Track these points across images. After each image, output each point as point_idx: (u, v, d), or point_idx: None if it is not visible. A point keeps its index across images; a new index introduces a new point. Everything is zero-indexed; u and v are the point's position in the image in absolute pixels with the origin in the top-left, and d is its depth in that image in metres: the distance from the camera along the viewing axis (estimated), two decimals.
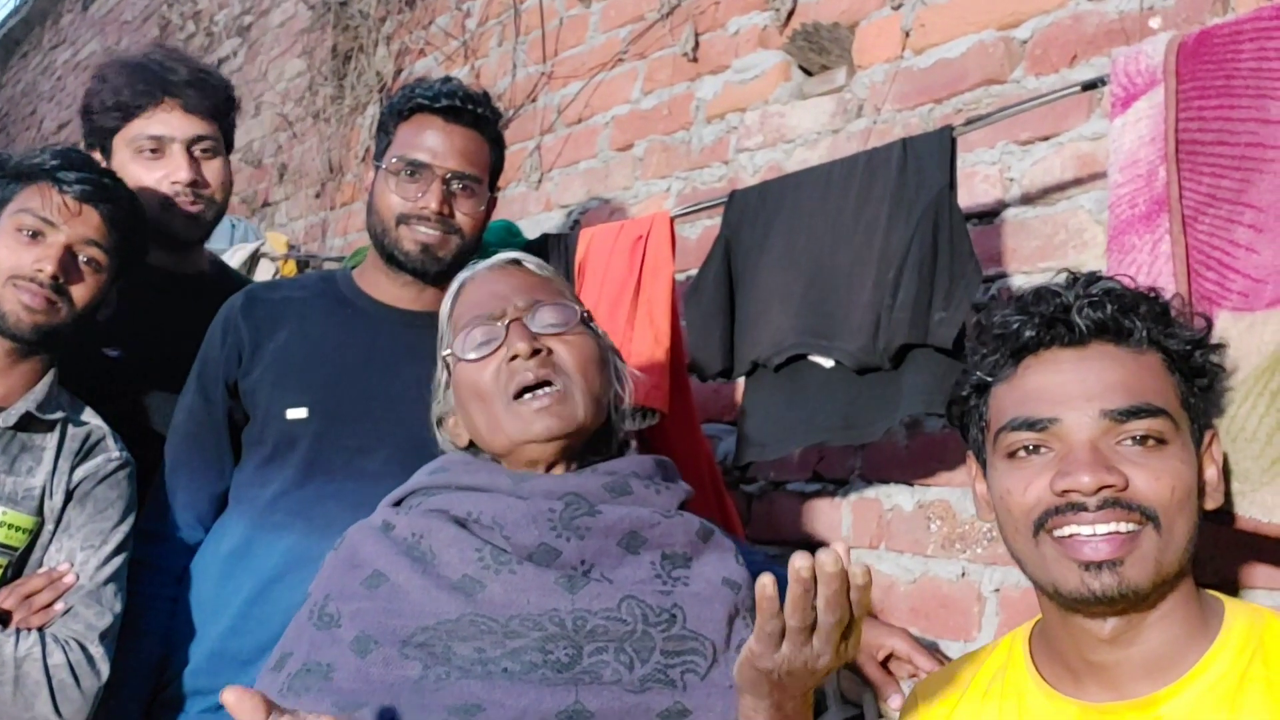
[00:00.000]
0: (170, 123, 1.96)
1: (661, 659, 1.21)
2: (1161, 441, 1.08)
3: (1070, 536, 1.08)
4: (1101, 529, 1.06)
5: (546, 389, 1.32)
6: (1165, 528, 1.06)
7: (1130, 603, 1.07)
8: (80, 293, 1.64)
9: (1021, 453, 1.12)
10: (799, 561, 0.95)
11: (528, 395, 1.32)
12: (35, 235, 1.61)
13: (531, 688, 1.17)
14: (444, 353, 1.43)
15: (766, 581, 0.98)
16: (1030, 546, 1.11)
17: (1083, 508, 1.06)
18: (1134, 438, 1.07)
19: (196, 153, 1.99)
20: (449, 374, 1.42)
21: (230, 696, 0.95)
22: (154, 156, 1.97)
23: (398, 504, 1.38)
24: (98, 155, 2.02)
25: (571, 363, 1.35)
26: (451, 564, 1.26)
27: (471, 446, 1.42)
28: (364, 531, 1.35)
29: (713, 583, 1.29)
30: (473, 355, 1.36)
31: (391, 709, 1.17)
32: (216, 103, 2.02)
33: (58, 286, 1.61)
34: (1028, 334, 1.13)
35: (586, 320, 1.42)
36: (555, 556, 1.25)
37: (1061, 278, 1.17)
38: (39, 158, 1.64)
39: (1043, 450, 1.11)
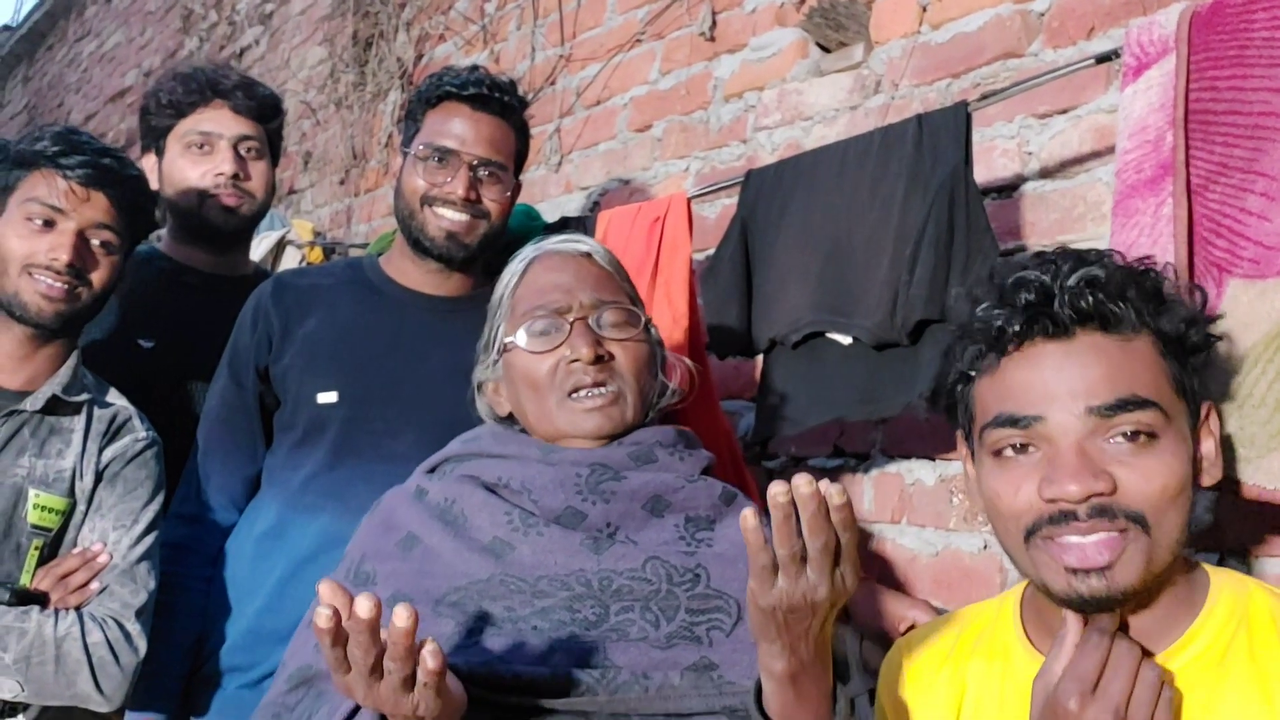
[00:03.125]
0: (219, 120, 2.08)
1: (687, 617, 1.24)
2: (1152, 435, 1.04)
3: (1060, 542, 1.05)
4: (1091, 538, 1.03)
5: (601, 389, 1.35)
6: (1154, 528, 1.03)
7: (1119, 603, 1.05)
8: (98, 276, 1.66)
9: (1008, 451, 1.08)
10: (775, 489, 0.96)
11: (582, 392, 1.35)
12: (47, 224, 1.62)
13: (561, 645, 1.20)
14: (504, 336, 1.42)
15: (748, 513, 0.99)
16: (1021, 551, 1.09)
17: (1074, 516, 1.03)
18: (1124, 434, 1.04)
19: (242, 151, 2.10)
20: (500, 348, 1.43)
21: (324, 588, 0.98)
22: (202, 152, 2.08)
23: (432, 471, 1.42)
24: (152, 155, 2.14)
25: (628, 368, 1.37)
26: (482, 527, 1.29)
27: (510, 417, 1.45)
28: (399, 496, 1.39)
29: (736, 544, 1.30)
30: (533, 347, 1.37)
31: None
32: (263, 107, 2.13)
33: (76, 273, 1.63)
34: (1010, 329, 1.07)
35: (647, 325, 1.42)
36: (581, 519, 1.29)
37: (1042, 259, 1.10)
38: (40, 143, 1.65)
39: (1030, 449, 1.07)
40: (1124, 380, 1.05)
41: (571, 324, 1.37)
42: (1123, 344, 1.06)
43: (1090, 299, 1.06)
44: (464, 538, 1.29)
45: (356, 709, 1.10)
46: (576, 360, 1.34)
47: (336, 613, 0.96)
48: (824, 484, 0.97)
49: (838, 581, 1.00)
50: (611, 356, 1.36)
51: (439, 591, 1.25)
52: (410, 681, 1.00)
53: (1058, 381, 1.05)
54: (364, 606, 0.95)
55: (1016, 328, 1.07)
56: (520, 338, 1.38)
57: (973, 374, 1.12)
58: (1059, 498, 1.03)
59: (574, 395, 1.34)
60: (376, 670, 0.99)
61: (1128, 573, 1.03)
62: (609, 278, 1.43)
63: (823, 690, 1.10)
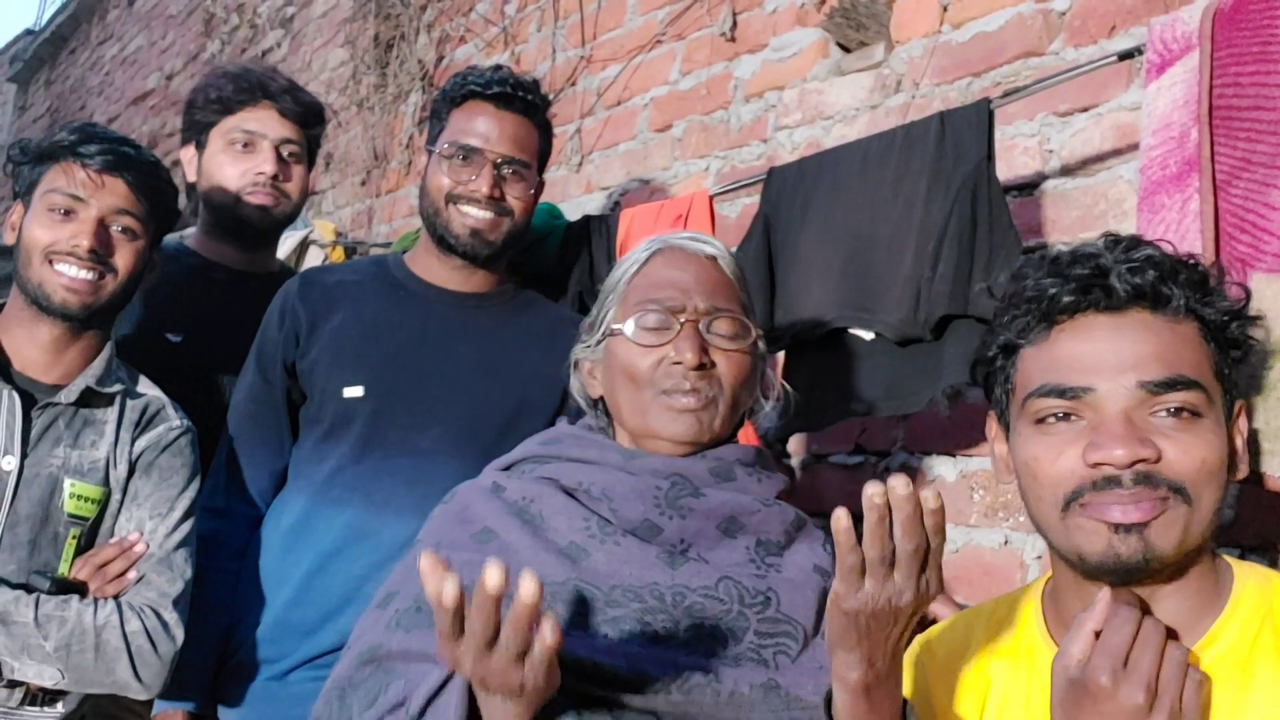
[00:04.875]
0: (265, 121, 2.12)
1: (755, 639, 1.24)
2: (1195, 414, 1.04)
3: (1101, 504, 1.05)
4: (1134, 505, 1.03)
5: (696, 394, 1.34)
6: (1194, 501, 1.04)
7: (1151, 572, 1.06)
8: (122, 262, 1.67)
9: (1050, 419, 1.08)
10: (871, 489, 0.96)
11: (677, 393, 1.34)
12: (67, 213, 1.64)
13: (634, 648, 1.20)
14: (612, 321, 1.40)
15: (840, 514, 0.98)
16: (1057, 519, 1.08)
17: (1117, 482, 1.03)
18: (1168, 409, 1.04)
19: (284, 154, 2.13)
20: (606, 331, 1.41)
21: (425, 560, 0.99)
22: (244, 150, 2.11)
23: (507, 469, 1.42)
24: (192, 148, 2.18)
25: (728, 379, 1.36)
26: (559, 530, 1.30)
27: (600, 401, 1.44)
28: (474, 490, 1.39)
29: (804, 569, 1.32)
30: (640, 340, 1.36)
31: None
32: (308, 114, 2.17)
33: (99, 259, 1.64)
34: (1065, 299, 1.08)
35: (757, 339, 1.41)
36: (657, 533, 1.29)
37: (1100, 240, 1.11)
38: (59, 136, 1.68)
39: (1073, 418, 1.07)
40: (1173, 359, 1.06)
41: (682, 325, 1.35)
42: (1171, 325, 1.08)
43: (1146, 276, 1.07)
44: (541, 538, 1.29)
45: (441, 687, 1.11)
46: (679, 363, 1.34)
47: (462, 589, 0.96)
48: (918, 487, 0.97)
49: (923, 587, 1.00)
50: (714, 364, 1.35)
51: (513, 587, 1.26)
52: (522, 655, 1.00)
53: (1108, 354, 1.06)
54: (494, 577, 0.95)
55: (1070, 298, 1.08)
56: (629, 327, 1.37)
57: (1020, 343, 1.13)
58: (1105, 461, 1.04)
59: (669, 394, 1.34)
60: (492, 642, 0.99)
61: (1165, 538, 1.04)
62: (728, 284, 1.41)
63: (895, 703, 1.09)
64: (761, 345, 1.43)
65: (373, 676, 1.23)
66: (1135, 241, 1.11)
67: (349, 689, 1.24)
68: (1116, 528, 1.04)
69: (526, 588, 0.96)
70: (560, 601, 1.24)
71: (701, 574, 1.27)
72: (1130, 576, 1.06)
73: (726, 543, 1.30)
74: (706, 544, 1.30)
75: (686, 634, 1.23)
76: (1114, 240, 1.11)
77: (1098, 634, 1.04)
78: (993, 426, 1.21)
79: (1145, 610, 1.06)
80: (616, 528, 1.29)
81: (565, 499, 1.32)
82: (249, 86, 2.11)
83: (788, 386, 1.54)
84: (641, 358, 1.35)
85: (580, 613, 1.23)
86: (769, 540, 1.33)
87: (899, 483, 0.95)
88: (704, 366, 1.34)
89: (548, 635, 0.99)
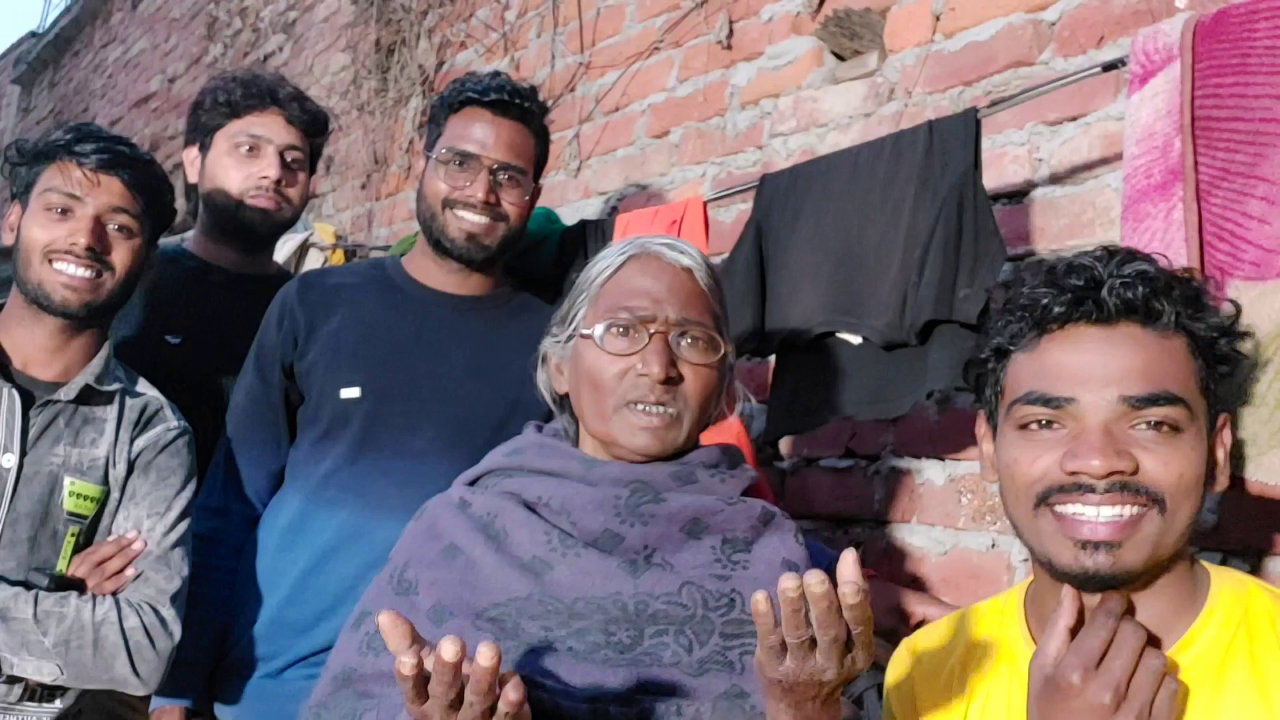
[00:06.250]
0: (271, 127, 2.15)
1: (720, 641, 1.25)
2: (1176, 429, 1.07)
3: (1072, 515, 1.07)
4: (1106, 512, 1.06)
5: (660, 409, 1.33)
6: (1170, 511, 1.06)
7: (1121, 582, 1.08)
8: (120, 260, 1.69)
9: (1034, 426, 1.11)
10: (786, 583, 0.98)
11: (641, 406, 1.33)
12: (64, 212, 1.66)
13: (595, 667, 1.22)
14: (582, 325, 1.39)
15: (760, 598, 1.02)
16: (1029, 517, 1.11)
17: (1090, 489, 1.06)
18: (1148, 423, 1.06)
19: (288, 160, 2.16)
20: (575, 332, 1.40)
21: (384, 620, 1.01)
22: (249, 155, 2.14)
23: (473, 482, 1.42)
24: (195, 150, 2.21)
25: (693, 394, 1.35)
26: (522, 544, 1.30)
27: (565, 398, 1.44)
28: (442, 505, 1.40)
29: (772, 565, 1.32)
30: (608, 348, 1.35)
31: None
32: (314, 122, 2.21)
33: (96, 256, 1.66)
34: (1056, 308, 1.10)
35: (725, 354, 1.40)
36: (619, 542, 1.29)
37: (1095, 252, 1.13)
38: (55, 136, 1.71)
39: (1055, 426, 1.09)
40: (1158, 374, 1.08)
41: (651, 336, 1.34)
42: (1160, 339, 1.10)
43: (1137, 291, 1.09)
44: (504, 553, 1.30)
45: None
46: (645, 375, 1.33)
47: (420, 660, 0.99)
48: (843, 581, 0.98)
49: (847, 664, 1.03)
50: (681, 378, 1.34)
51: (479, 605, 1.26)
52: (489, 712, 1.02)
53: (1094, 366, 1.09)
54: (449, 651, 0.97)
55: (1061, 308, 1.11)
56: (598, 333, 1.36)
57: (1011, 348, 1.15)
58: (1081, 470, 1.06)
59: (632, 406, 1.33)
60: (456, 703, 1.01)
61: (1135, 553, 1.06)
62: (702, 296, 1.39)
63: None
64: (731, 358, 1.42)
65: (345, 700, 1.26)
66: (1130, 255, 1.13)
67: (321, 711, 1.27)
68: (1083, 544, 1.07)
69: (483, 655, 0.98)
70: (525, 616, 1.25)
71: (664, 581, 1.27)
72: (1100, 585, 1.09)
73: (691, 545, 1.30)
74: (671, 548, 1.30)
75: (649, 643, 1.24)
76: (1109, 253, 1.13)
77: (1074, 631, 1.07)
78: (982, 426, 1.23)
79: (1131, 613, 1.09)
80: (578, 540, 1.29)
81: (526, 513, 1.32)
82: (257, 92, 2.14)
83: (751, 396, 1.55)
84: (609, 365, 1.34)
85: (545, 627, 1.24)
86: (735, 538, 1.33)
87: (814, 581, 0.97)
88: (671, 380, 1.33)
89: (511, 694, 1.01)
